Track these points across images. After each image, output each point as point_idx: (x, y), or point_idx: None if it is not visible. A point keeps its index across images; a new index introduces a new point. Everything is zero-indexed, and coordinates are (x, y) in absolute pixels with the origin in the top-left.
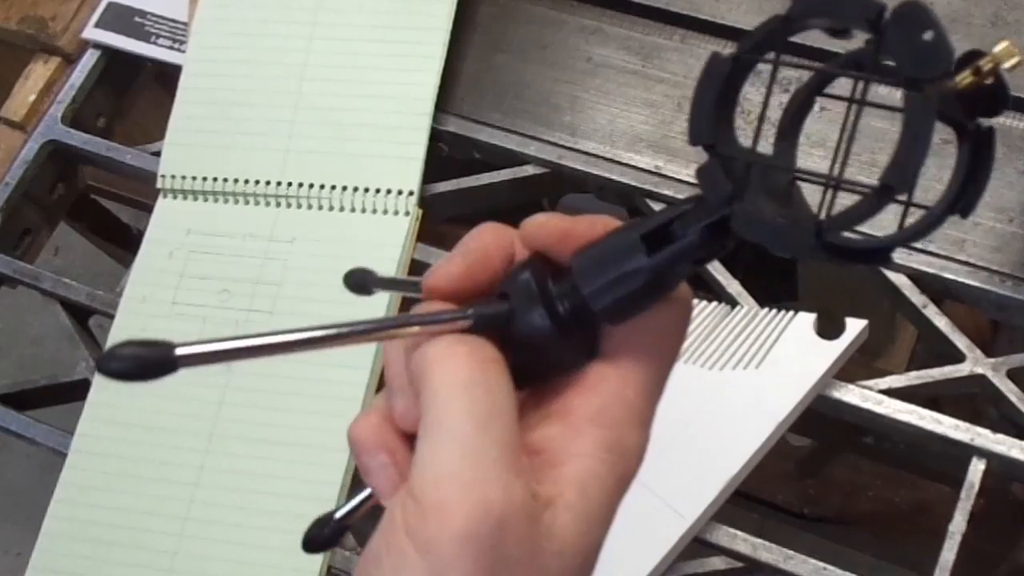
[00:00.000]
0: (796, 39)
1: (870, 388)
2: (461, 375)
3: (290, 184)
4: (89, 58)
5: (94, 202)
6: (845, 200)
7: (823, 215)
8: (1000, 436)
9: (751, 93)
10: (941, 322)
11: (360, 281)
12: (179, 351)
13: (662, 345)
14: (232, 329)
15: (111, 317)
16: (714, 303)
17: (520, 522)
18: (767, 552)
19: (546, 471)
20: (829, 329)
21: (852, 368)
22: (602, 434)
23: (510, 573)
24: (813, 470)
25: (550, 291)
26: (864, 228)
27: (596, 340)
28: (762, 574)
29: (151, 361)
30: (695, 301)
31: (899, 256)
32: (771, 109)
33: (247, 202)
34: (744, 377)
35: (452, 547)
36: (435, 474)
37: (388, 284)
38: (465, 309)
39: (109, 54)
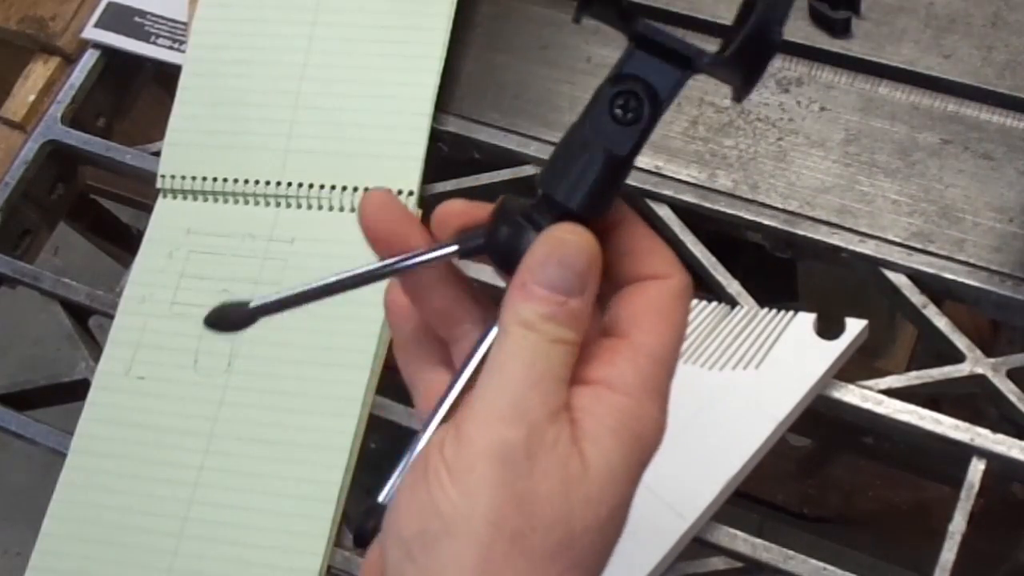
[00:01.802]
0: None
1: (870, 388)
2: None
3: (290, 184)
4: (89, 58)
5: (94, 202)
6: None
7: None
8: (1000, 436)
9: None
10: (941, 322)
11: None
12: (253, 304)
13: (669, 317)
14: None
15: (111, 317)
16: (714, 303)
17: (551, 461)
18: (767, 552)
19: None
20: (829, 329)
21: (852, 368)
22: (618, 400)
23: (537, 506)
24: (813, 470)
25: (527, 211)
26: None
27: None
28: (762, 574)
29: (235, 315)
30: (695, 301)
31: (899, 256)
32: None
33: (247, 202)
34: (744, 377)
35: (482, 470)
36: (480, 407)
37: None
38: (449, 241)
39: (109, 54)
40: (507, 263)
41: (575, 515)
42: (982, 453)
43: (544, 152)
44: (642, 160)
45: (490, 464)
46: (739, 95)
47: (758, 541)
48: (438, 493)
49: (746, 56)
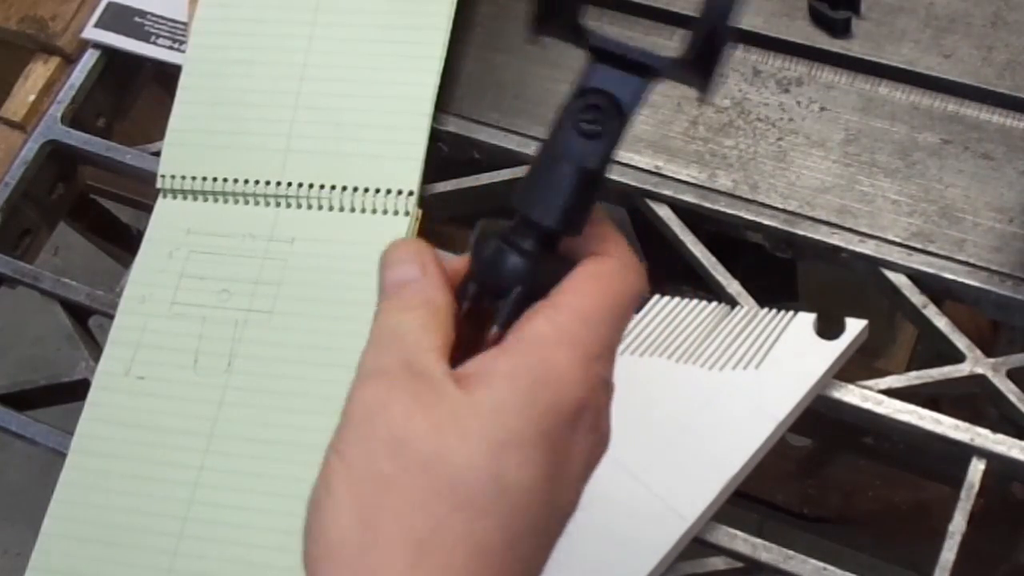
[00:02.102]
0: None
1: (870, 388)
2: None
3: (290, 184)
4: (89, 58)
5: (94, 202)
6: None
7: None
8: (1000, 436)
9: (751, 93)
10: (941, 322)
11: None
12: None
13: (599, 281)
14: (232, 330)
15: (111, 317)
16: (714, 303)
17: (417, 407)
18: (767, 552)
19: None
20: (829, 329)
21: (852, 368)
22: (523, 347)
23: (408, 448)
24: (813, 470)
25: (506, 234)
26: None
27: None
28: (762, 574)
29: None
30: (693, 301)
31: (899, 256)
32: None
33: (247, 202)
34: (744, 377)
35: (352, 432)
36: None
37: None
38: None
39: (109, 54)
40: (495, 290)
41: (452, 450)
42: (982, 453)
43: None
44: (642, 160)
45: (357, 425)
46: (703, 92)
47: (758, 541)
48: (326, 458)
49: (702, 55)
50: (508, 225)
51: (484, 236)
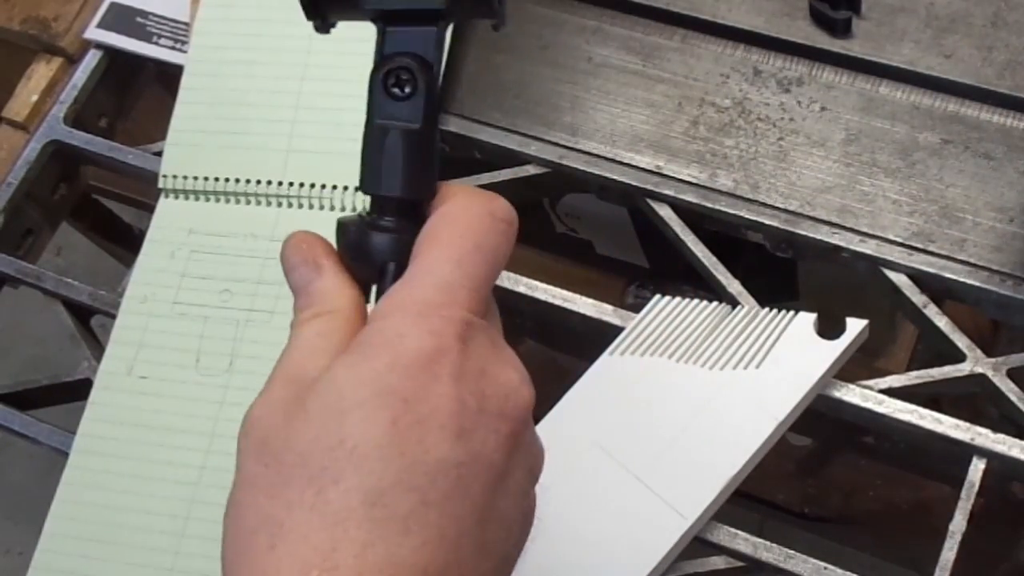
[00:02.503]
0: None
1: (870, 388)
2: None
3: (291, 184)
4: (91, 58)
5: (96, 202)
6: None
7: None
8: (1000, 436)
9: (751, 93)
10: (941, 322)
11: None
12: None
13: (436, 238)
14: (233, 330)
15: (113, 317)
16: (715, 303)
17: (275, 399)
18: (767, 552)
19: None
20: (829, 329)
21: (852, 368)
22: (367, 326)
23: (255, 429)
24: (813, 470)
25: (365, 218)
26: None
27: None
28: (763, 574)
29: None
30: (694, 301)
31: (900, 256)
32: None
33: (248, 202)
34: (744, 377)
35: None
36: None
37: None
38: None
39: (111, 54)
40: (371, 272)
41: (297, 434)
42: (982, 452)
43: (545, 152)
44: (643, 160)
45: (240, 439)
46: (496, 19)
47: (759, 540)
48: None
49: None
50: (363, 211)
51: (344, 226)
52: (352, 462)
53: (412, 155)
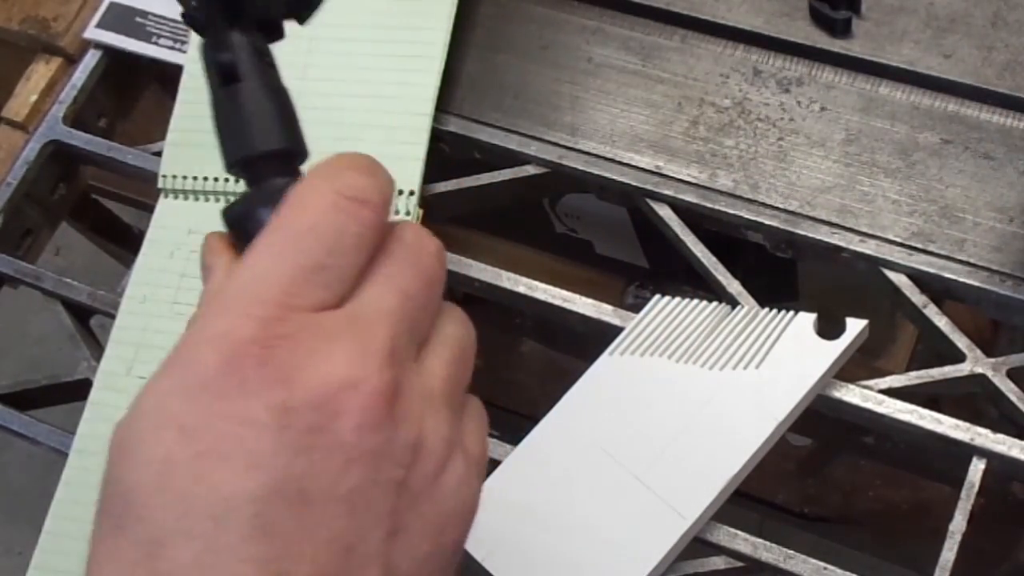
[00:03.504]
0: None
1: (870, 388)
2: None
3: None
4: (90, 58)
5: (95, 202)
6: None
7: None
8: (1000, 436)
9: (751, 93)
10: (941, 322)
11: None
12: None
13: (278, 219)
14: None
15: (112, 317)
16: (714, 303)
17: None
18: (767, 552)
19: None
20: (829, 329)
21: (852, 368)
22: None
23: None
24: (813, 470)
25: (248, 192)
26: None
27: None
28: (763, 574)
29: None
30: (694, 301)
31: (899, 256)
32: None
33: None
34: (744, 377)
35: None
36: None
37: None
38: None
39: (111, 54)
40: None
41: (121, 448)
42: (982, 453)
43: (545, 152)
44: (643, 160)
45: None
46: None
47: (759, 541)
48: None
49: None
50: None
51: (229, 207)
52: (132, 508)
53: (271, 107)
